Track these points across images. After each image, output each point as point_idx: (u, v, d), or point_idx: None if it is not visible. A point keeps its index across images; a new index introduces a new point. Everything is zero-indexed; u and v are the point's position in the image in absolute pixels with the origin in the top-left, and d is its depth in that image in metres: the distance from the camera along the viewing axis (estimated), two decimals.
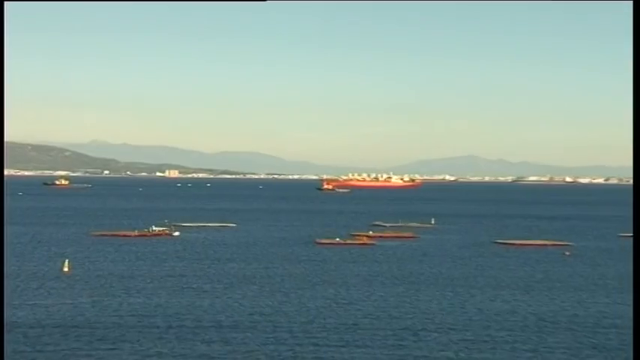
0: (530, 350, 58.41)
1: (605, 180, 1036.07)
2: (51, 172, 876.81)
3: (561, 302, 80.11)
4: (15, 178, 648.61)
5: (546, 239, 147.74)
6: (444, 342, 60.61)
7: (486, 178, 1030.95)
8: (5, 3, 36.80)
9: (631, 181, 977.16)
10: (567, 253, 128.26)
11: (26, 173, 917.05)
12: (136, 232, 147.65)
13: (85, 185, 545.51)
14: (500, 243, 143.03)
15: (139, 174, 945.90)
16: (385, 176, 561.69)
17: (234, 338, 60.38)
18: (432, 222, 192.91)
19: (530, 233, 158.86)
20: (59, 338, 58.14)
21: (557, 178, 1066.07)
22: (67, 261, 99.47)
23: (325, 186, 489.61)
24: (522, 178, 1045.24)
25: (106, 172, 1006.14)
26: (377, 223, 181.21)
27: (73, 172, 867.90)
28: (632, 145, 25.17)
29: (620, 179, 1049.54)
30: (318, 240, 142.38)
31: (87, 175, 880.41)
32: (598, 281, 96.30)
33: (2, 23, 37.39)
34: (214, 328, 64.04)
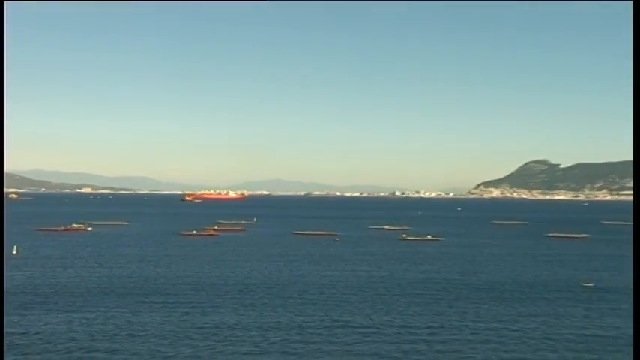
0: (323, 302, 59.36)
1: (360, 194, 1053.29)
2: (6, 189, 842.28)
3: (338, 270, 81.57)
4: None
5: (325, 230, 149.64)
6: (267, 295, 61.18)
7: (288, 193, 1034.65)
8: (5, 3, 28.23)
9: (377, 195, 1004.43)
10: (337, 239, 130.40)
11: None
12: (63, 228, 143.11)
13: (29, 198, 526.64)
14: (298, 233, 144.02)
15: (65, 190, 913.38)
16: (225, 192, 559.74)
17: (135, 295, 59.85)
18: (254, 220, 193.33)
19: (315, 226, 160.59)
20: (13, 300, 56.06)
21: (331, 193, 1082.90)
22: (15, 247, 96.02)
23: (187, 198, 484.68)
24: (310, 193, 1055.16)
25: (43, 189, 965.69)
26: (219, 221, 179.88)
27: (20, 189, 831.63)
28: (632, 145, 22.88)
29: (370, 193, 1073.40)
30: (182, 232, 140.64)
31: (30, 191, 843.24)
32: (359, 257, 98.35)
33: (2, 23, 28.79)
34: (121, 290, 63.06)
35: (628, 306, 57.95)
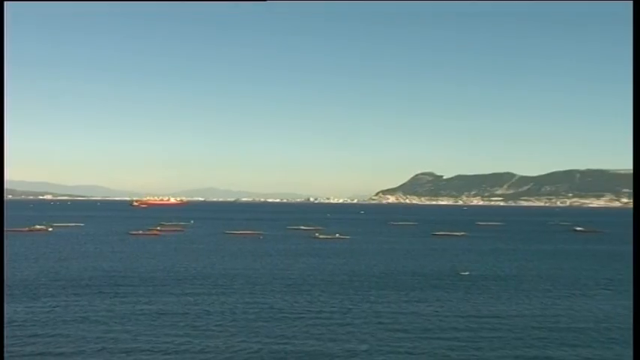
0: (250, 290, 59.08)
1: (281, 200, 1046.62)
2: None
3: (262, 263, 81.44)
4: None
5: (251, 230, 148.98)
6: (203, 285, 60.61)
7: (220, 199, 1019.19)
8: (5, 3, 24.01)
9: (294, 201, 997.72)
10: (261, 237, 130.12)
11: None
12: (27, 229, 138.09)
13: None
14: (228, 233, 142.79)
15: (29, 197, 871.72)
16: (167, 198, 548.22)
17: (92, 286, 58.17)
18: (192, 222, 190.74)
19: (243, 227, 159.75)
20: None
21: (257, 199, 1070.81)
22: None
23: (134, 203, 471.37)
24: (239, 199, 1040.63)
25: (10, 196, 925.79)
26: (162, 223, 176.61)
27: None
28: (632, 146, 19.59)
29: (288, 199, 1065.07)
30: (130, 232, 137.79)
31: None
32: (280, 252, 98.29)
33: (2, 23, 24.57)
34: (80, 282, 61.29)
35: (497, 289, 60.06)
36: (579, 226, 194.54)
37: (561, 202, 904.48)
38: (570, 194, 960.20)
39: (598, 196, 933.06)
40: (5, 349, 27.76)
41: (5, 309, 41.25)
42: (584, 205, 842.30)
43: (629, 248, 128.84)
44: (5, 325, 34.98)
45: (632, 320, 11.86)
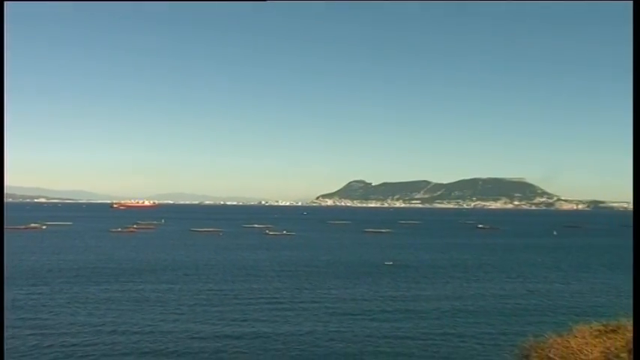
0: (213, 278, 58.64)
1: (237, 203, 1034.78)
2: None
3: (222, 255, 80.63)
4: None
5: (212, 227, 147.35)
6: (174, 273, 59.80)
7: (186, 202, 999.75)
8: (5, 3, 19.84)
9: (248, 203, 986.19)
10: (220, 234, 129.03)
11: None
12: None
13: None
14: (193, 230, 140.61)
15: (25, 200, 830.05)
16: (141, 201, 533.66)
17: (82, 275, 56.67)
18: (163, 221, 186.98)
19: (205, 225, 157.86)
20: None
21: (217, 202, 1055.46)
22: None
23: (114, 206, 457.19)
24: (202, 202, 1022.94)
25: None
26: (137, 222, 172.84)
27: None
28: (632, 146, 15.16)
29: (244, 202, 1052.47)
30: (111, 229, 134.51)
31: None
32: (237, 246, 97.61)
33: (2, 23, 21.09)
34: (71, 272, 59.75)
35: (416, 276, 61.33)
36: (481, 224, 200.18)
37: (467, 205, 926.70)
38: (474, 198, 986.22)
39: (496, 200, 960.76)
40: (5, 342, 26.97)
41: (5, 307, 39.97)
42: (485, 207, 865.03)
43: (520, 241, 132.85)
44: (5, 318, 33.98)
45: (632, 320, 11.94)
